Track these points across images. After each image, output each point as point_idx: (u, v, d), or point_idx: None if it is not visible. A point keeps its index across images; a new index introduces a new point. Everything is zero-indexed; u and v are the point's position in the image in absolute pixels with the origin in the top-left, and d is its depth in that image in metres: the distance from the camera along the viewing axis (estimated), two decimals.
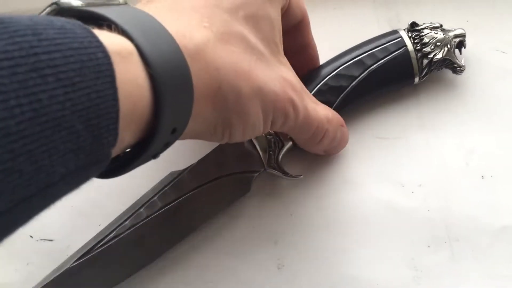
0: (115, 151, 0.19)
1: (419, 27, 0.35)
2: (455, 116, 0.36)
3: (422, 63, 0.35)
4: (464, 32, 0.35)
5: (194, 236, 0.34)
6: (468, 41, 0.36)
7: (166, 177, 0.33)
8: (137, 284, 0.33)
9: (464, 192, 0.34)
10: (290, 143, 0.34)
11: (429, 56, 0.34)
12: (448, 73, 0.37)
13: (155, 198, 0.32)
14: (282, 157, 0.34)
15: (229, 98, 0.24)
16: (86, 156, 0.17)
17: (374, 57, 0.34)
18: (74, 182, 0.18)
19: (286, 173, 0.34)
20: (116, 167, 0.21)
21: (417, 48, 0.34)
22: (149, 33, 0.20)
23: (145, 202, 0.32)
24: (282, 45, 0.28)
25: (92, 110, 0.17)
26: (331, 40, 0.37)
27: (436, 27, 0.35)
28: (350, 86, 0.34)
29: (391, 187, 0.35)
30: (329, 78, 0.34)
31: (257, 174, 0.33)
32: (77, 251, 0.32)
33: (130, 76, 0.19)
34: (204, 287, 0.33)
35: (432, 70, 0.35)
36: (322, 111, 0.30)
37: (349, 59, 0.34)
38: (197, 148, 0.35)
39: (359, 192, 0.35)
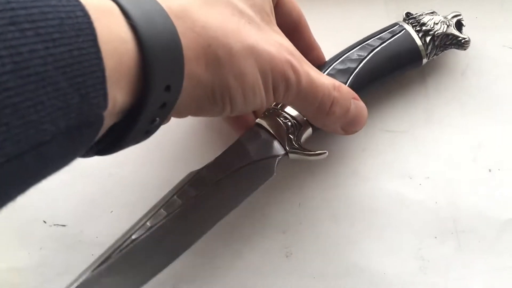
0: (111, 114, 0.19)
1: (415, 15, 0.37)
2: (463, 110, 0.37)
3: (425, 40, 0.35)
4: (459, 12, 0.37)
5: None
6: (476, 37, 0.36)
7: (184, 177, 0.32)
8: None
9: (471, 185, 0.35)
10: (310, 128, 0.33)
11: (430, 32, 0.35)
12: (457, 68, 0.37)
13: (175, 196, 0.31)
14: (303, 140, 0.33)
15: (221, 56, 0.23)
16: (76, 116, 0.17)
17: (379, 39, 0.35)
18: (69, 145, 0.18)
19: (309, 152, 0.33)
20: (114, 139, 0.21)
21: (417, 29, 0.36)
22: None
23: (164, 202, 0.31)
24: (274, 18, 0.28)
25: (75, 68, 0.16)
26: (340, 35, 0.37)
27: (431, 13, 0.37)
28: (358, 67, 0.34)
29: (399, 179, 0.35)
30: (337, 63, 0.35)
31: (279, 157, 0.32)
32: (97, 259, 0.29)
33: (113, 31, 0.19)
34: (213, 273, 0.33)
35: (437, 47, 0.36)
36: (327, 79, 0.29)
37: (355, 45, 0.35)
38: (215, 148, 0.34)
39: (367, 183, 0.35)
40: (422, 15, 0.36)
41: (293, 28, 0.32)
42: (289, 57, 0.26)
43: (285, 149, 0.33)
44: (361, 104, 0.31)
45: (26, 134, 0.15)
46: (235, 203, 0.31)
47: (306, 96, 0.28)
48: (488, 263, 0.33)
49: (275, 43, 0.26)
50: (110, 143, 0.21)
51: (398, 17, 0.38)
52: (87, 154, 0.22)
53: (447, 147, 0.36)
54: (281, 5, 0.31)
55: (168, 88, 0.21)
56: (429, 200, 0.34)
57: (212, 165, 0.32)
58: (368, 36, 0.36)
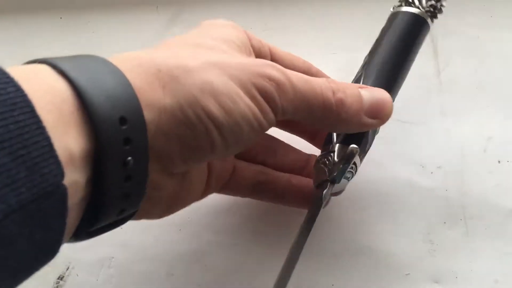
0: (75, 168, 0.18)
1: None
2: (475, 104, 0.39)
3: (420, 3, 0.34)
4: None
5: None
6: (490, 35, 0.38)
7: None
8: (174, 250, 0.36)
9: (481, 175, 0.36)
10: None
11: None
12: (471, 63, 0.39)
13: None
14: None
15: (177, 74, 0.21)
16: (28, 189, 0.16)
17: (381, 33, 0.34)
18: (29, 222, 0.16)
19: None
20: (95, 209, 0.20)
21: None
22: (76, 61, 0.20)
23: None
24: (251, 51, 0.28)
25: (15, 141, 0.16)
26: (356, 31, 0.40)
27: None
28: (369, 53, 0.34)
29: (412, 167, 0.37)
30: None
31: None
32: None
33: (45, 88, 0.18)
34: (232, 249, 0.36)
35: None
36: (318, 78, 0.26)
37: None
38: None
39: (380, 170, 0.37)
40: None
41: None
42: (268, 62, 0.24)
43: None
44: (373, 88, 0.29)
45: None
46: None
47: (305, 94, 0.25)
48: (495, 248, 0.34)
49: (246, 58, 0.25)
50: (96, 216, 0.20)
51: None
52: (78, 236, 0.21)
53: (459, 138, 0.38)
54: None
55: (124, 120, 0.19)
56: (439, 188, 0.36)
57: None
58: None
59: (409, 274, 0.34)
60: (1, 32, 0.42)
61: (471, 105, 0.39)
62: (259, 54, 0.29)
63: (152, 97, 0.21)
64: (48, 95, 0.18)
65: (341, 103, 0.26)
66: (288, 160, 0.34)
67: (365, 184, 0.37)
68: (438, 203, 0.36)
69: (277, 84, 0.23)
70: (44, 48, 0.41)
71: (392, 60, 0.32)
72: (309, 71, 0.32)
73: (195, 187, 0.28)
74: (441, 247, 0.35)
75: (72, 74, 0.19)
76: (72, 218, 0.19)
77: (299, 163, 0.34)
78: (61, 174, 0.17)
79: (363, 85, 0.29)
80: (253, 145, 0.33)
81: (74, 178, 0.18)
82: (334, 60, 0.42)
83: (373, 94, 0.28)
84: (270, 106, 0.24)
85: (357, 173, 0.37)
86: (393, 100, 0.31)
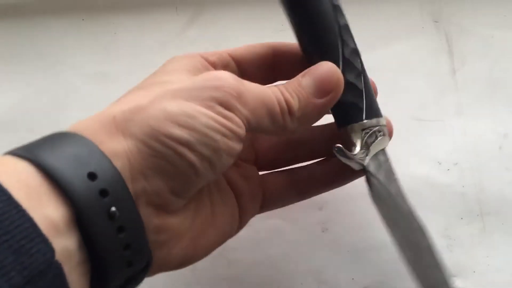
0: (59, 235, 0.18)
1: None
2: (491, 102, 0.39)
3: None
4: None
5: None
6: (505, 34, 0.39)
7: None
8: None
9: (497, 172, 0.37)
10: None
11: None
12: (485, 62, 0.40)
13: None
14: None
15: (131, 115, 0.22)
16: (18, 273, 0.16)
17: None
18: None
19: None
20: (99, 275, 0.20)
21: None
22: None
23: None
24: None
25: None
26: (373, 31, 0.40)
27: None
28: None
29: (428, 164, 0.38)
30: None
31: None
32: None
33: (14, 172, 0.19)
34: (255, 247, 0.36)
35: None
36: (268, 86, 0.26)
37: None
38: None
39: (397, 167, 0.38)
40: None
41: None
42: (219, 75, 0.24)
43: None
44: (313, 67, 0.27)
45: None
46: None
47: (260, 96, 0.24)
48: (511, 243, 0.35)
49: (197, 77, 0.24)
50: (104, 275, 0.20)
51: (432, 15, 0.41)
52: None
53: (475, 136, 0.38)
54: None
55: (93, 175, 0.19)
56: (456, 184, 0.37)
57: None
58: None
59: None
60: (24, 34, 0.43)
61: (487, 103, 0.39)
62: (220, 66, 0.29)
63: (115, 145, 0.21)
64: (14, 175, 0.18)
65: (289, 103, 0.25)
66: (306, 147, 0.33)
67: None
68: (455, 199, 0.37)
69: (231, 91, 0.23)
70: (68, 49, 0.42)
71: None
72: (273, 48, 0.30)
73: (224, 219, 0.27)
74: (458, 242, 0.36)
75: (29, 152, 0.19)
76: (77, 282, 0.19)
77: (317, 140, 0.33)
78: (51, 251, 0.17)
79: (306, 70, 0.27)
80: (265, 153, 0.32)
81: (63, 244, 0.18)
82: None
83: (313, 75, 0.26)
84: (231, 111, 0.23)
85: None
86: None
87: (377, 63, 0.41)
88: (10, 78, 0.41)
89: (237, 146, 0.23)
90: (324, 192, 0.33)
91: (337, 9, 0.29)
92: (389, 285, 0.35)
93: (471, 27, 0.42)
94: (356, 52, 0.29)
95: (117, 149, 0.21)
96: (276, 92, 0.25)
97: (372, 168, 0.29)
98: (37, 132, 0.22)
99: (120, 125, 0.21)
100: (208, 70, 0.28)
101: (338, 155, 0.28)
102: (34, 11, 0.43)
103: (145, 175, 0.21)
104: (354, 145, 0.29)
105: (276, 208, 0.33)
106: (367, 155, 0.29)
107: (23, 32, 0.43)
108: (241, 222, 0.29)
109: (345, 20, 0.29)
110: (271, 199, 0.31)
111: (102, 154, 0.20)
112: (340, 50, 0.28)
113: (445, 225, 0.36)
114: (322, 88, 0.26)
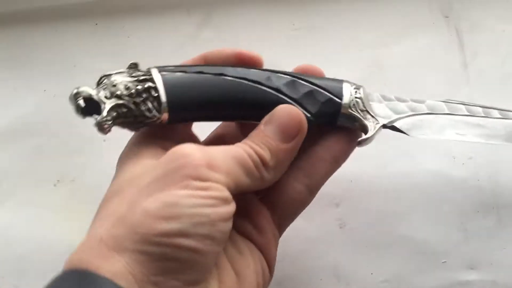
0: None
1: None
2: (503, 95, 0.40)
3: None
4: None
5: None
6: None
7: None
8: None
9: (511, 165, 0.38)
10: None
11: None
12: (498, 56, 0.40)
13: None
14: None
15: (116, 231, 0.22)
16: None
17: None
18: None
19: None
20: None
21: None
22: None
23: None
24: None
25: None
26: (384, 28, 0.41)
27: None
28: None
29: (443, 159, 0.38)
30: None
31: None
32: None
33: None
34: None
35: None
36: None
37: None
38: None
39: (413, 162, 0.38)
40: None
41: None
42: (184, 153, 0.24)
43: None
44: (271, 113, 0.27)
45: None
46: None
47: (234, 156, 0.25)
48: None
49: (166, 166, 0.24)
50: None
51: (443, 11, 0.41)
52: None
53: None
54: None
55: None
56: (471, 178, 0.38)
57: None
58: None
59: (445, 261, 0.35)
60: (39, 40, 0.43)
61: (499, 97, 0.40)
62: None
63: (112, 266, 0.21)
64: None
65: (260, 155, 0.25)
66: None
67: (398, 176, 0.38)
68: (470, 192, 0.37)
69: (200, 163, 0.23)
70: (82, 54, 0.43)
71: None
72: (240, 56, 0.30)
73: (250, 272, 0.26)
74: (475, 235, 0.36)
75: None
76: None
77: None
78: None
79: (267, 118, 0.27)
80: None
81: None
82: (361, 57, 0.43)
83: (275, 122, 0.27)
84: (208, 181, 0.23)
85: (390, 165, 0.38)
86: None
87: (389, 59, 0.42)
88: (27, 84, 0.42)
89: (229, 209, 0.23)
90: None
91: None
92: (407, 279, 0.36)
93: (481, 21, 0.42)
94: (292, 82, 0.29)
95: (116, 269, 0.21)
96: (245, 147, 0.25)
97: (386, 119, 0.30)
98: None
99: (109, 245, 0.21)
100: (165, 144, 0.27)
101: (365, 145, 0.29)
102: (48, 17, 0.44)
103: (154, 283, 0.21)
104: (363, 124, 0.29)
105: (293, 220, 0.31)
106: (374, 115, 0.29)
107: (38, 38, 0.43)
108: (270, 265, 0.28)
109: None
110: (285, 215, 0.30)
111: (106, 279, 0.20)
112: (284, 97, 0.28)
113: (462, 218, 0.37)
114: (288, 134, 0.26)
